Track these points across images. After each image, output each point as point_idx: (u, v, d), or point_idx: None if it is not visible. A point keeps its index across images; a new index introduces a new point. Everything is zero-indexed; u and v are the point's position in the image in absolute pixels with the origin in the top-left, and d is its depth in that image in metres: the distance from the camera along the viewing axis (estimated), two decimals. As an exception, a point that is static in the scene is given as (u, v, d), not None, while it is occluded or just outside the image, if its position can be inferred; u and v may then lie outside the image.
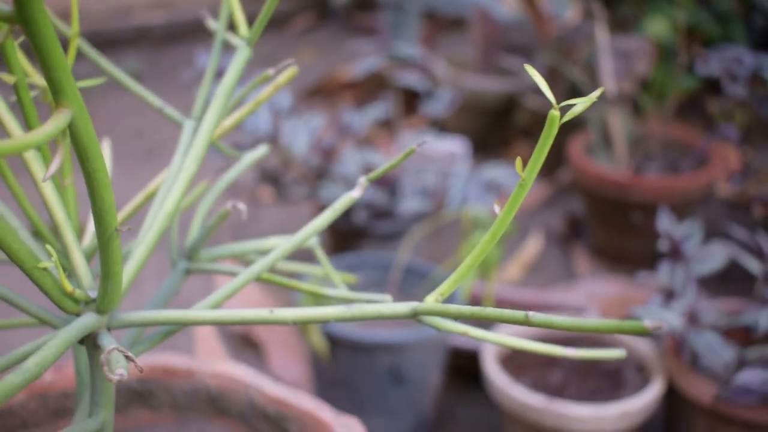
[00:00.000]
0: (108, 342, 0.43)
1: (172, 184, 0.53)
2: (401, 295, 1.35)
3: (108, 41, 3.15)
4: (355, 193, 0.57)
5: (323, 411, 0.65)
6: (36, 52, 0.32)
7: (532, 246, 1.89)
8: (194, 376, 0.68)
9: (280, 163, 1.62)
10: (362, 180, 0.57)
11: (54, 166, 0.34)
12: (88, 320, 0.44)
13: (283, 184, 1.62)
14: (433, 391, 1.28)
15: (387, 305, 0.50)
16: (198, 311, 0.48)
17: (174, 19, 3.55)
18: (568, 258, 1.92)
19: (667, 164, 1.88)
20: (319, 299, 1.19)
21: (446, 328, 0.46)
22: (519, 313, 0.42)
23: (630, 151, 1.89)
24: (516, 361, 1.27)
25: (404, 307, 0.48)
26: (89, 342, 0.45)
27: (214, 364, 0.69)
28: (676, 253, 1.24)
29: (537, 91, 2.34)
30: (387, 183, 1.66)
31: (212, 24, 0.65)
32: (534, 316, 0.44)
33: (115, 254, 0.42)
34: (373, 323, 1.27)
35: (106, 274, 0.43)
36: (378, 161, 1.64)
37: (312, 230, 0.58)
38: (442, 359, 1.26)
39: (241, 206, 0.55)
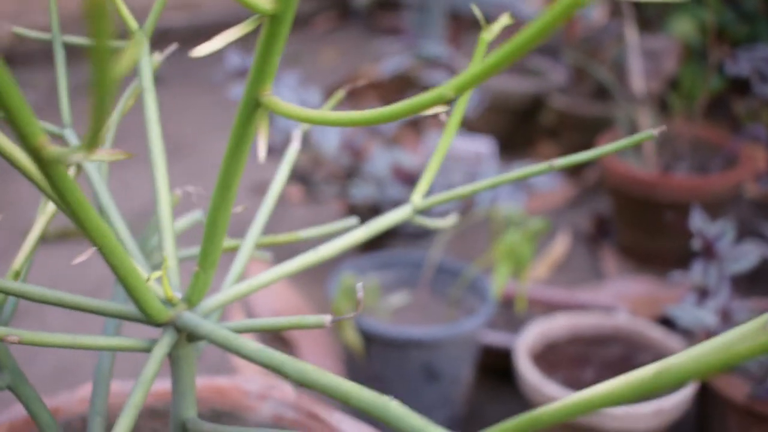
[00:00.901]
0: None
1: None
2: (433, 293, 1.36)
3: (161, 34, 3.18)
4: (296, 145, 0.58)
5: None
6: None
7: (560, 246, 1.90)
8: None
9: (309, 162, 1.63)
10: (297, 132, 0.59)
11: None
12: (186, 318, 0.45)
13: (313, 183, 1.64)
14: (465, 388, 1.29)
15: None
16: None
17: (196, 20, 3.57)
18: (596, 258, 1.93)
19: (696, 164, 1.87)
20: (353, 296, 1.20)
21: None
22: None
23: (658, 150, 1.89)
24: (548, 359, 1.27)
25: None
26: (181, 338, 0.47)
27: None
28: (709, 252, 1.24)
29: (563, 91, 2.34)
30: (415, 181, 1.67)
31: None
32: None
33: (219, 244, 0.43)
34: (407, 320, 1.28)
35: (206, 265, 0.44)
36: (407, 161, 1.65)
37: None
38: (473, 356, 1.27)
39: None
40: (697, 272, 1.22)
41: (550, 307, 1.53)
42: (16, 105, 0.31)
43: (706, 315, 1.13)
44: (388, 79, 2.27)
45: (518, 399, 1.35)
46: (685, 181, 1.77)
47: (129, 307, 0.48)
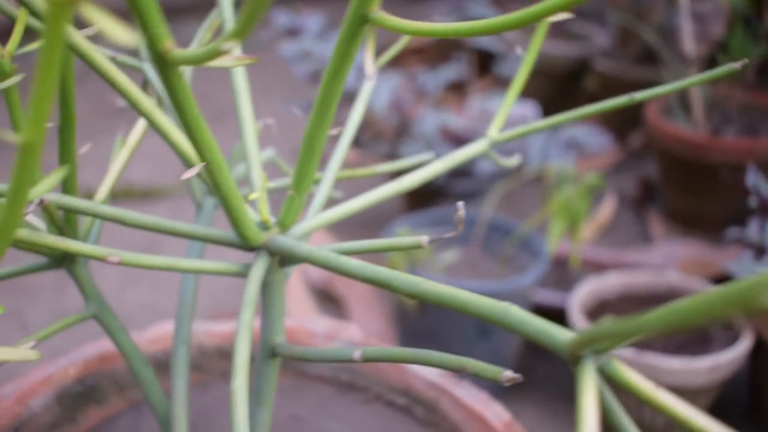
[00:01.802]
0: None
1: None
2: (485, 251, 1.36)
3: (167, 9, 3.18)
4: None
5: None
6: None
7: (606, 208, 1.88)
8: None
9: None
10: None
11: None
12: (281, 242, 0.46)
13: (362, 142, 1.64)
14: (516, 345, 1.29)
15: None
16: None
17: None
18: (642, 221, 1.91)
19: (745, 127, 1.85)
20: (409, 254, 1.21)
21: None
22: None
23: (707, 113, 1.87)
24: (601, 314, 1.27)
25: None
26: (273, 263, 0.48)
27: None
28: (765, 210, 1.23)
29: (607, 55, 2.32)
30: (463, 143, 1.66)
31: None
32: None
33: (314, 166, 0.44)
34: (459, 276, 1.28)
35: (300, 188, 0.44)
36: (453, 122, 1.65)
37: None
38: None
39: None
40: (753, 230, 1.21)
41: (599, 268, 1.53)
42: (146, 6, 0.31)
43: (765, 271, 1.12)
44: (432, 43, 2.26)
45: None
46: (735, 143, 1.75)
47: (220, 231, 0.49)
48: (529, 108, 1.78)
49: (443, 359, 0.39)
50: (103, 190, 0.54)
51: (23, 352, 0.38)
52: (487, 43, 1.92)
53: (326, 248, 0.45)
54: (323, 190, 0.55)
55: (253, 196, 0.45)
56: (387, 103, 1.56)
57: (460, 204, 0.43)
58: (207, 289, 1.53)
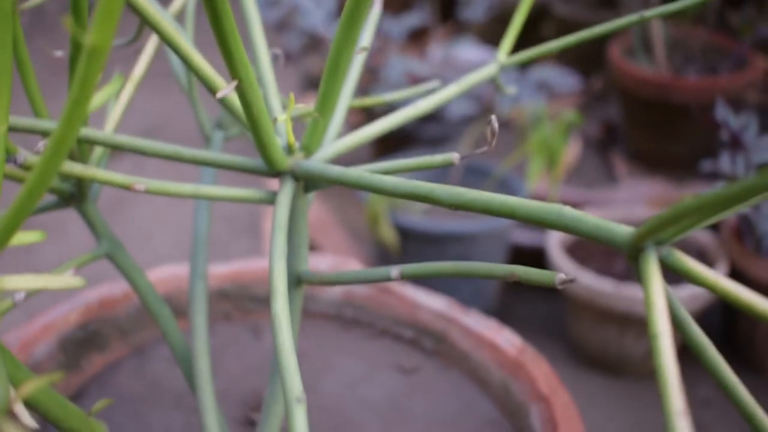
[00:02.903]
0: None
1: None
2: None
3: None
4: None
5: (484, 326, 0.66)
6: None
7: (571, 151, 1.90)
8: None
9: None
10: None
11: None
12: (308, 165, 0.46)
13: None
14: (497, 284, 1.30)
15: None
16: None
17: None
18: (606, 162, 1.94)
19: (706, 67, 1.88)
20: (389, 199, 1.21)
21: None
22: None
23: (669, 54, 1.89)
24: (579, 253, 1.29)
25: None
26: (298, 188, 0.48)
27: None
28: (736, 143, 1.25)
29: (566, 1, 2.32)
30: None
31: None
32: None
33: (339, 87, 0.43)
34: (441, 214, 1.29)
35: (325, 110, 0.44)
36: (418, 68, 1.64)
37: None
38: (505, 252, 1.28)
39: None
40: (725, 162, 1.24)
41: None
42: None
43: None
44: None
45: (546, 298, 1.37)
46: (696, 83, 1.77)
47: (243, 158, 0.48)
48: (488, 53, 1.78)
49: (491, 269, 0.40)
50: (111, 124, 0.53)
51: (67, 278, 0.37)
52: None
53: (358, 169, 0.45)
54: (338, 117, 0.55)
55: (281, 117, 0.44)
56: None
57: (493, 117, 0.43)
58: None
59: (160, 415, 0.65)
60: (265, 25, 1.52)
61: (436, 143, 1.62)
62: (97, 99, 0.29)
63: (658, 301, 0.30)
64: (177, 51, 0.44)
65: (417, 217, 1.25)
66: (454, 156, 0.45)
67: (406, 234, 1.20)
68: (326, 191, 1.67)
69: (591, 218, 0.34)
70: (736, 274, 1.22)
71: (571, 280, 0.36)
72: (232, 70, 0.39)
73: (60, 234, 1.63)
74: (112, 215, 1.71)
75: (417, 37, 2.07)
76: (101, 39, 0.27)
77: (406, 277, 0.44)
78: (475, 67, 1.71)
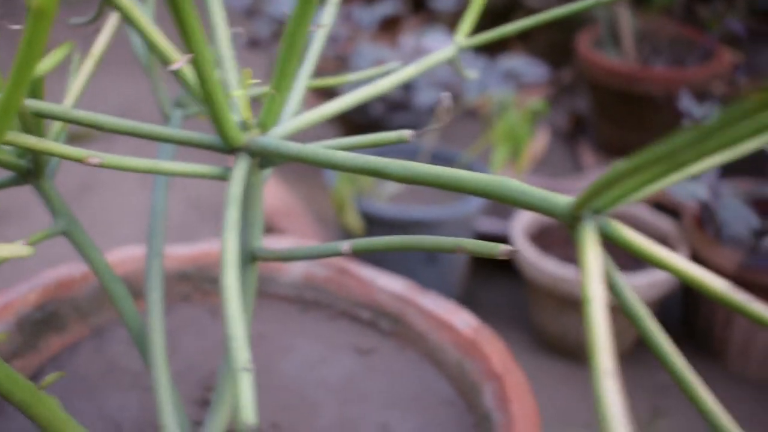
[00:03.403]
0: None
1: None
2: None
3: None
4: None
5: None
6: None
7: (539, 141, 1.92)
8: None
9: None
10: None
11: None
12: (264, 141, 0.46)
13: (298, 78, 1.62)
14: (461, 272, 1.31)
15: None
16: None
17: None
18: (574, 153, 1.95)
19: (673, 58, 1.90)
20: (353, 182, 1.21)
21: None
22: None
23: (637, 45, 1.91)
24: (543, 240, 1.30)
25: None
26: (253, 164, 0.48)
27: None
28: (698, 133, 1.27)
29: (536, -9, 2.33)
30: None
31: None
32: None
33: (295, 63, 0.43)
34: (407, 201, 1.30)
35: (281, 86, 0.44)
36: (389, 57, 1.64)
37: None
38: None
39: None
40: (687, 152, 1.25)
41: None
42: None
43: (699, 188, 1.17)
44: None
45: (509, 287, 1.38)
46: (664, 73, 1.79)
47: (199, 134, 0.49)
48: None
49: (438, 242, 0.40)
50: (69, 99, 0.53)
51: (15, 247, 0.37)
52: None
53: (313, 145, 0.46)
54: (296, 95, 0.55)
55: (236, 92, 0.45)
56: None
57: (446, 94, 0.43)
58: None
59: (117, 395, 0.65)
60: (234, 11, 1.52)
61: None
62: (46, 62, 0.29)
63: (592, 266, 0.31)
64: (133, 23, 0.44)
65: (383, 203, 1.26)
66: (406, 133, 0.45)
67: (372, 220, 1.20)
68: (294, 177, 1.67)
69: (535, 190, 0.35)
70: (697, 262, 1.24)
71: (515, 251, 0.37)
72: (187, 42, 0.40)
73: (22, 219, 1.62)
74: (76, 201, 1.70)
75: (388, 26, 2.08)
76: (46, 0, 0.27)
77: (357, 252, 0.44)
78: (446, 61, 1.72)
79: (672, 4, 1.92)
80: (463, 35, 0.60)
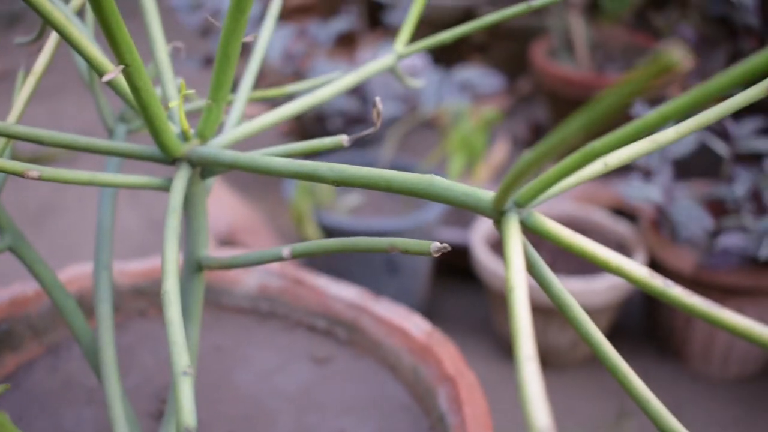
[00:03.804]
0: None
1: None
2: (387, 193, 1.38)
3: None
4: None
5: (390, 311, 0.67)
6: None
7: (499, 151, 1.94)
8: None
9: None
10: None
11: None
12: (202, 151, 0.46)
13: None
14: (423, 282, 1.32)
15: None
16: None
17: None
18: (534, 162, 1.97)
19: (627, 65, 1.93)
20: (312, 195, 1.22)
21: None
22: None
23: (590, 54, 1.94)
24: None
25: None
26: (194, 174, 0.49)
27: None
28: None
29: (492, 3, 2.36)
30: (357, 91, 1.68)
31: None
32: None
33: (230, 74, 0.44)
34: (368, 214, 1.30)
35: (218, 97, 0.45)
36: (346, 72, 1.66)
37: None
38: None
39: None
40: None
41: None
42: None
43: (653, 191, 1.19)
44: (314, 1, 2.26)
45: (471, 295, 1.39)
46: (618, 80, 1.81)
47: (139, 146, 0.49)
48: (418, 57, 1.81)
49: (373, 242, 0.41)
50: (12, 116, 0.53)
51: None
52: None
53: (251, 153, 0.46)
54: (238, 107, 0.56)
55: (172, 103, 0.45)
56: (280, 53, 1.55)
57: (378, 98, 0.44)
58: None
59: (72, 411, 0.65)
60: (187, 29, 1.52)
61: (363, 143, 1.63)
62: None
63: (514, 257, 0.32)
64: (67, 38, 0.44)
65: (342, 216, 1.26)
66: (342, 138, 0.46)
67: (332, 233, 1.21)
68: (255, 193, 1.67)
69: (460, 186, 0.36)
70: (654, 264, 1.26)
71: (446, 247, 0.38)
72: (118, 54, 0.40)
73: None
74: (39, 223, 1.69)
75: (345, 42, 2.09)
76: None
77: (297, 256, 0.45)
78: (404, 71, 1.73)
79: (624, 13, 1.95)
80: (403, 43, 0.61)
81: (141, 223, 1.68)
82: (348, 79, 0.58)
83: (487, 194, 0.35)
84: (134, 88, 0.42)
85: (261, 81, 1.61)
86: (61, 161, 1.86)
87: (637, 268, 0.33)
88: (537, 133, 2.02)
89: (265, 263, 0.47)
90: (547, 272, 0.37)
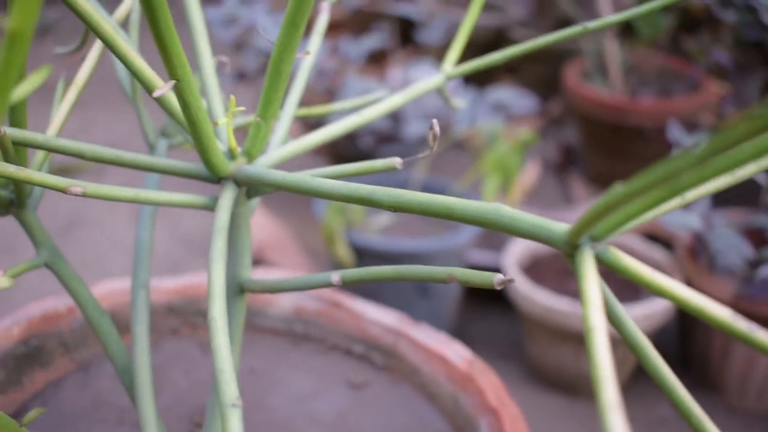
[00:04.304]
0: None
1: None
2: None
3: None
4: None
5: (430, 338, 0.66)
6: None
7: (530, 173, 1.91)
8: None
9: (284, 90, 1.61)
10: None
11: None
12: (250, 171, 0.45)
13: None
14: (454, 303, 1.30)
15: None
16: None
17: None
18: (564, 185, 1.95)
19: (661, 90, 1.90)
20: (343, 214, 1.20)
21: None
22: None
23: (624, 77, 1.91)
24: (535, 272, 1.29)
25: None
26: (240, 194, 0.47)
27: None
28: (688, 162, 1.27)
29: (524, 24, 2.35)
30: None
31: None
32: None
33: (281, 91, 0.43)
34: (398, 234, 1.29)
35: (267, 114, 0.43)
36: (376, 89, 1.65)
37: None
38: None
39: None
40: (678, 182, 1.25)
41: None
42: None
43: (692, 219, 1.16)
44: (351, 16, 2.25)
45: (502, 318, 1.37)
46: (652, 105, 1.79)
47: (185, 163, 0.48)
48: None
49: (431, 272, 0.39)
50: (53, 129, 0.52)
51: (-7, 280, 0.36)
52: (408, 11, 1.92)
53: (300, 173, 0.45)
54: (283, 124, 0.54)
55: (221, 120, 0.44)
56: (312, 70, 1.54)
57: (435, 121, 0.43)
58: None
59: (102, 431, 0.64)
60: (222, 44, 1.51)
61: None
62: (23, 88, 0.28)
63: (592, 295, 0.30)
64: (115, 51, 0.43)
65: (373, 235, 1.25)
66: (396, 161, 0.44)
67: (362, 253, 1.19)
68: (284, 210, 1.66)
69: (528, 217, 0.34)
70: (690, 293, 1.23)
71: (510, 281, 0.36)
72: (170, 69, 0.39)
73: (8, 257, 1.60)
74: (65, 236, 1.69)
75: (376, 60, 2.08)
76: (22, 22, 0.26)
77: (347, 283, 0.43)
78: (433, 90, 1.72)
79: (659, 36, 1.93)
80: (451, 64, 0.60)
81: (166, 236, 1.67)
82: (396, 99, 0.57)
83: (559, 226, 0.33)
84: (185, 105, 0.41)
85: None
86: (88, 172, 1.86)
87: (719, 310, 0.31)
88: (567, 155, 2.00)
89: (312, 288, 0.46)
90: (619, 309, 0.35)
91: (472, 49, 2.35)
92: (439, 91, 0.61)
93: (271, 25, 1.47)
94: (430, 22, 1.90)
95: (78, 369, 0.71)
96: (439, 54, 2.24)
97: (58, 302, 0.71)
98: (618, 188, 0.28)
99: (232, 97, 0.44)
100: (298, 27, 0.42)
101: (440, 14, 2.25)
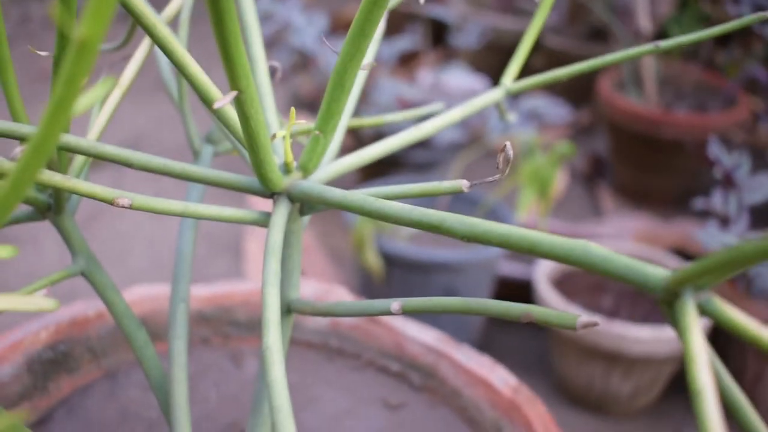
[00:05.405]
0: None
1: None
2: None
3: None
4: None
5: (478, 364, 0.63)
6: None
7: (558, 184, 1.88)
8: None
9: (315, 90, 1.59)
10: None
11: None
12: (305, 186, 0.43)
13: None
14: (479, 317, 1.27)
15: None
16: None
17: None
18: (593, 196, 1.92)
19: (696, 104, 1.87)
20: (375, 224, 1.18)
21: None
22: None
23: (659, 90, 1.88)
24: (566, 287, 1.26)
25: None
26: (293, 210, 0.45)
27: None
28: (728, 181, 1.24)
29: (556, 31, 2.32)
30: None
31: None
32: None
33: (343, 104, 0.40)
34: (427, 242, 1.26)
35: (327, 128, 0.41)
36: (408, 93, 1.62)
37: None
38: (491, 283, 1.25)
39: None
40: (717, 200, 1.22)
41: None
42: None
43: (730, 239, 1.13)
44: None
45: (528, 331, 1.34)
46: (687, 119, 1.76)
47: (235, 175, 0.45)
48: (478, 81, 1.77)
49: (507, 308, 0.37)
50: (94, 132, 0.50)
51: (39, 300, 0.34)
52: (441, 13, 1.90)
53: (361, 192, 0.42)
54: (336, 137, 0.52)
55: (280, 133, 0.41)
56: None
57: (508, 144, 0.40)
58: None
59: (131, 445, 0.61)
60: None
61: (424, 169, 1.59)
62: (83, 101, 0.26)
63: (699, 353, 0.27)
64: (172, 57, 0.41)
65: (403, 243, 1.22)
66: (462, 183, 0.42)
67: (391, 260, 1.17)
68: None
69: (621, 258, 0.31)
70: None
71: (595, 324, 0.33)
72: (232, 79, 0.36)
73: (33, 247, 1.59)
74: (86, 229, 1.67)
75: (407, 61, 2.05)
76: (92, 31, 0.24)
77: (408, 312, 0.41)
78: (464, 94, 1.69)
79: (695, 50, 1.90)
80: (510, 78, 0.57)
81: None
82: (455, 113, 0.54)
83: (656, 272, 0.30)
84: (244, 117, 0.38)
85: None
86: (106, 167, 1.84)
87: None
88: (596, 166, 1.97)
89: (367, 315, 0.43)
90: (717, 363, 0.32)
91: (500, 54, 2.33)
92: (497, 106, 0.58)
93: (305, 25, 1.45)
94: (464, 26, 1.87)
95: (105, 376, 0.69)
96: (470, 58, 2.21)
97: (88, 307, 0.69)
98: (739, 247, 0.25)
99: (293, 108, 0.41)
100: (367, 36, 0.40)
101: (472, 17, 2.22)
